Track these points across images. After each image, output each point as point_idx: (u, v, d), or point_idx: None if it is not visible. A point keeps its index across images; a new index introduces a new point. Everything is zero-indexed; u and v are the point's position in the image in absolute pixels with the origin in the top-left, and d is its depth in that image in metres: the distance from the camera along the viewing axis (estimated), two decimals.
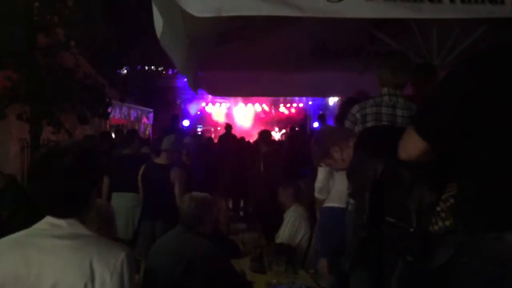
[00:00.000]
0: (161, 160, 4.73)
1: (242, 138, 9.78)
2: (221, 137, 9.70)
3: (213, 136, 14.32)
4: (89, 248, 1.45)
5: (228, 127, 10.04)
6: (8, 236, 1.50)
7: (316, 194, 3.53)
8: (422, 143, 1.57)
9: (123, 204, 5.06)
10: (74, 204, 1.52)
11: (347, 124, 2.97)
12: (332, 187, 3.39)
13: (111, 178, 5.27)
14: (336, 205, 3.27)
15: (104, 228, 2.45)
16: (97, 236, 1.54)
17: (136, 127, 10.35)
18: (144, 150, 6.00)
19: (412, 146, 1.62)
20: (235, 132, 10.47)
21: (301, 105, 16.76)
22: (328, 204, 3.43)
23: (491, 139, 1.47)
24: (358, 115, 2.89)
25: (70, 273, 1.40)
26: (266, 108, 16.97)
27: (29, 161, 6.21)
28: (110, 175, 5.26)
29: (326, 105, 14.87)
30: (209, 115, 17.03)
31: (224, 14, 2.09)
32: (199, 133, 14.50)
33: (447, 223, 1.84)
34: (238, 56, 4.33)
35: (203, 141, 9.92)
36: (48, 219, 1.50)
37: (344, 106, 3.53)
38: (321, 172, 3.41)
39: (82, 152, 1.54)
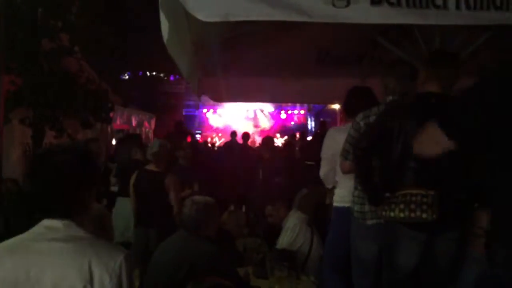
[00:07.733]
0: (153, 166, 4.61)
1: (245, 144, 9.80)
2: (226, 144, 9.77)
3: (216, 142, 14.31)
4: (87, 251, 1.44)
5: (233, 134, 10.12)
6: (5, 241, 1.48)
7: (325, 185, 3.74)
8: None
9: (126, 208, 5.05)
10: (71, 203, 1.50)
11: (352, 132, 2.98)
12: (344, 187, 3.34)
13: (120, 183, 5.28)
14: (347, 205, 3.23)
15: (99, 234, 2.43)
16: (94, 238, 1.52)
17: (138, 132, 10.36)
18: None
19: None
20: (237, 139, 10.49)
21: (302, 112, 16.78)
22: (339, 204, 3.41)
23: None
24: (362, 123, 2.91)
25: (69, 276, 1.39)
26: (267, 115, 16.98)
27: (27, 161, 6.22)
28: (120, 179, 5.26)
29: (326, 112, 14.90)
30: (209, 121, 17.05)
31: (231, 19, 2.09)
32: (197, 138, 14.48)
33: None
34: (242, 62, 4.35)
35: (202, 146, 9.95)
36: (44, 222, 1.48)
37: None
38: (324, 165, 3.58)
39: (80, 152, 1.53)
